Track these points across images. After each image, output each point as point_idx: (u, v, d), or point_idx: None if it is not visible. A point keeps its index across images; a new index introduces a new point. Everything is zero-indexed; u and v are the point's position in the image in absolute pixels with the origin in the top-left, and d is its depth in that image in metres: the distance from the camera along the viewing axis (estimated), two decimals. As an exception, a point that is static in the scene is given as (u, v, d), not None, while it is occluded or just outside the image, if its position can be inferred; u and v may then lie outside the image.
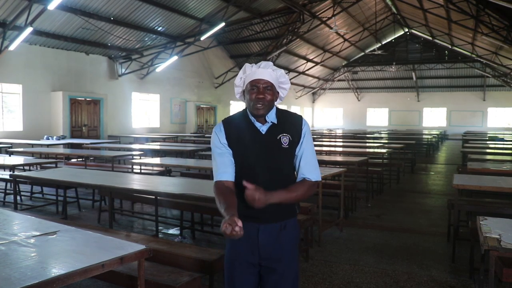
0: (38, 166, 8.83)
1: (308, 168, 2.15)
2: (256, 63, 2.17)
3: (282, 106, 32.74)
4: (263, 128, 2.14)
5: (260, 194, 1.90)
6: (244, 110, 2.20)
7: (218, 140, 2.16)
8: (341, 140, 16.08)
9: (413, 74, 32.76)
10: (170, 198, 5.04)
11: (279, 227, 2.14)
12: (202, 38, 17.98)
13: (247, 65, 2.16)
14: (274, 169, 2.11)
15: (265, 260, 2.15)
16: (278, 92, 2.20)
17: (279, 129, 2.14)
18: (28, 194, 8.04)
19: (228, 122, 2.20)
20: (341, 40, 27.07)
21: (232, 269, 2.18)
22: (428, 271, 4.36)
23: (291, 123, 2.17)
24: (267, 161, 2.09)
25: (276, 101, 2.19)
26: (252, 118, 2.14)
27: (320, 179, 2.20)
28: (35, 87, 15.15)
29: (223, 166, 2.15)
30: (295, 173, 2.19)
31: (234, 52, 24.81)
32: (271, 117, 2.14)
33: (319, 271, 4.32)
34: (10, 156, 9.77)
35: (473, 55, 25.37)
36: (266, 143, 2.10)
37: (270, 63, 2.15)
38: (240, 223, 1.83)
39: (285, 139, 2.12)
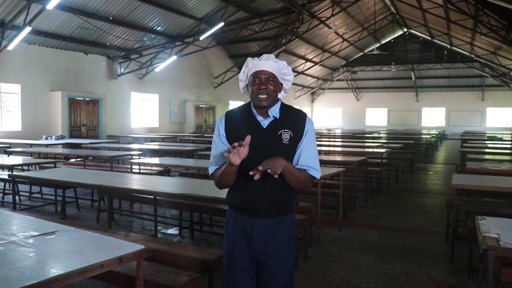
0: (36, 166, 8.83)
1: (308, 163, 2.15)
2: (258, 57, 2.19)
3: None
4: (264, 122, 2.14)
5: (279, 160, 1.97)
6: (249, 103, 2.22)
7: (218, 132, 2.21)
8: (340, 140, 16.08)
9: (412, 74, 32.78)
10: (169, 198, 5.04)
11: (273, 223, 2.16)
12: (201, 38, 17.97)
13: (249, 59, 2.19)
14: None
15: (259, 255, 2.17)
16: (281, 84, 2.21)
17: (281, 124, 2.14)
18: (27, 194, 8.03)
19: (230, 114, 2.24)
20: (340, 40, 27.08)
21: (233, 262, 2.21)
22: (426, 271, 4.37)
23: (294, 120, 2.17)
24: (266, 156, 2.03)
25: (280, 92, 2.20)
26: (255, 112, 2.16)
27: (318, 178, 2.21)
28: (33, 87, 15.13)
29: (217, 160, 2.22)
30: None
31: (233, 52, 24.80)
32: (274, 111, 2.15)
33: (318, 271, 4.32)
34: (8, 156, 9.76)
35: (472, 55, 25.39)
36: (266, 137, 2.10)
37: (272, 55, 2.17)
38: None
39: (286, 135, 2.11)
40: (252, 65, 2.15)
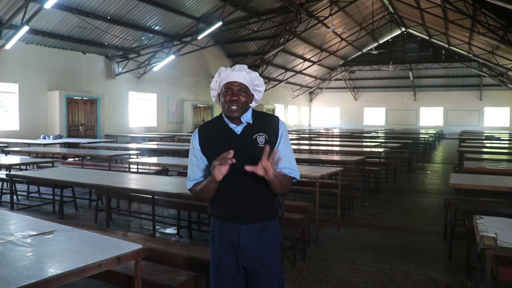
0: (34, 165, 8.80)
1: (288, 165, 2.17)
2: (231, 67, 2.20)
3: (280, 105, 32.79)
4: (238, 129, 2.15)
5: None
6: (220, 114, 2.24)
7: (193, 147, 2.21)
8: (338, 139, 16.10)
9: (410, 73, 32.83)
10: (167, 197, 5.04)
11: (260, 228, 2.16)
12: (199, 37, 17.95)
13: (222, 69, 2.20)
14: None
15: (247, 262, 2.15)
16: (253, 95, 2.23)
17: (255, 128, 2.15)
18: (25, 193, 8.02)
19: (203, 128, 2.26)
20: (338, 39, 27.08)
21: (220, 273, 2.18)
22: (424, 270, 4.38)
23: (267, 123, 2.19)
24: (243, 161, 2.05)
25: (251, 103, 2.22)
26: (227, 120, 2.17)
27: (298, 178, 2.23)
28: (31, 86, 15.09)
29: (195, 175, 2.23)
30: None
31: (231, 51, 24.79)
32: (247, 117, 2.17)
33: (316, 270, 4.32)
34: (6, 155, 9.73)
35: (470, 55, 25.44)
36: (241, 143, 2.11)
37: (245, 66, 2.19)
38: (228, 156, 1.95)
39: (261, 138, 2.13)
40: (225, 75, 2.16)
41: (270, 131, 2.16)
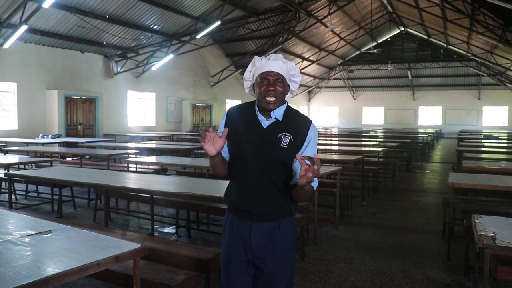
0: (33, 164, 8.80)
1: None
2: (266, 56, 2.11)
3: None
4: (265, 123, 2.07)
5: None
6: (253, 101, 2.16)
7: (220, 127, 2.14)
8: (337, 138, 16.11)
9: (409, 72, 32.83)
10: (165, 196, 5.03)
11: (272, 227, 2.08)
12: (198, 36, 17.94)
13: (256, 58, 2.10)
14: (268, 168, 2.04)
15: (257, 259, 2.10)
16: (289, 86, 2.13)
17: (282, 127, 2.06)
18: (23, 193, 8.00)
19: (233, 110, 2.18)
20: (337, 38, 27.09)
21: (228, 268, 2.16)
22: (423, 269, 4.38)
23: (297, 124, 2.09)
24: (261, 157, 2.01)
25: (287, 94, 2.13)
26: (257, 110, 2.09)
27: (316, 187, 2.14)
28: (30, 86, 15.06)
29: None
30: (293, 175, 2.08)
31: (230, 50, 24.78)
32: (278, 113, 2.07)
33: (314, 270, 4.33)
34: (5, 155, 9.71)
35: (468, 54, 25.43)
36: (264, 138, 2.03)
37: (280, 55, 2.09)
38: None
39: (285, 139, 2.04)
40: (260, 64, 2.06)
41: (298, 133, 2.07)
